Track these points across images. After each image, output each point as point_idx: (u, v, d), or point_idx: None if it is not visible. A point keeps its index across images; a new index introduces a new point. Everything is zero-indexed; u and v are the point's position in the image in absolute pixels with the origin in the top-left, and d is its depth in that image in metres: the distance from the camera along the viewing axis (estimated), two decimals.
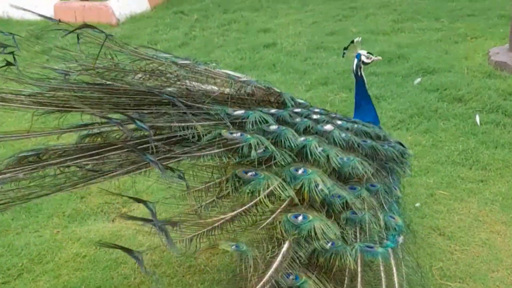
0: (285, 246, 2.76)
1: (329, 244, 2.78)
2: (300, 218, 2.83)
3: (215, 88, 3.34)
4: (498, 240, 4.13)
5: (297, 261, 2.75)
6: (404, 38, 8.51)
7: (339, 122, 3.49)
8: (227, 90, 3.34)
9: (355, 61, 4.10)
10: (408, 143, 5.42)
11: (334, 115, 3.70)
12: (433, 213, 4.45)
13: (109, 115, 2.83)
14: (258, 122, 3.09)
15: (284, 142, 3.03)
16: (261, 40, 8.98)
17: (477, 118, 5.73)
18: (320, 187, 2.87)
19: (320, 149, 3.05)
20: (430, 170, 5.01)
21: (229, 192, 3.01)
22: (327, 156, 3.04)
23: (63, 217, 4.72)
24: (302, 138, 3.12)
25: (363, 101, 4.25)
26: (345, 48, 4.23)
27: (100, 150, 2.78)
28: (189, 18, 10.70)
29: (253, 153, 2.88)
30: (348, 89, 6.71)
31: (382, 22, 9.40)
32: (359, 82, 4.19)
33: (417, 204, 4.55)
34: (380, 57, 4.31)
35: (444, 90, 6.42)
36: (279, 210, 2.88)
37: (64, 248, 4.31)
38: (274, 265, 2.68)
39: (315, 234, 2.75)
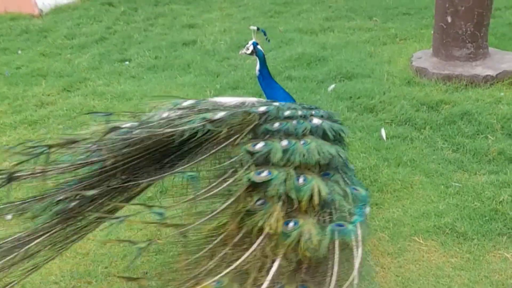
0: (276, 264, 2.57)
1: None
2: (291, 224, 2.67)
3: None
4: (380, 274, 3.73)
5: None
6: (332, 38, 8.09)
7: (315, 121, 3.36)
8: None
9: (258, 47, 4.16)
10: None
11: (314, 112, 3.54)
12: None
13: None
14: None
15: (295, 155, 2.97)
16: (183, 37, 8.49)
17: (383, 132, 5.31)
18: (322, 192, 2.78)
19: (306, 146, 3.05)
20: None
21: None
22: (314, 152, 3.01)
23: None
24: (302, 141, 3.08)
25: (270, 80, 4.28)
26: (265, 35, 4.30)
27: None
28: (116, 10, 10.13)
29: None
30: (259, 94, 6.25)
31: (314, 19, 8.98)
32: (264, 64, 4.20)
33: None
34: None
35: (357, 99, 5.99)
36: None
37: None
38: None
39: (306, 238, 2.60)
